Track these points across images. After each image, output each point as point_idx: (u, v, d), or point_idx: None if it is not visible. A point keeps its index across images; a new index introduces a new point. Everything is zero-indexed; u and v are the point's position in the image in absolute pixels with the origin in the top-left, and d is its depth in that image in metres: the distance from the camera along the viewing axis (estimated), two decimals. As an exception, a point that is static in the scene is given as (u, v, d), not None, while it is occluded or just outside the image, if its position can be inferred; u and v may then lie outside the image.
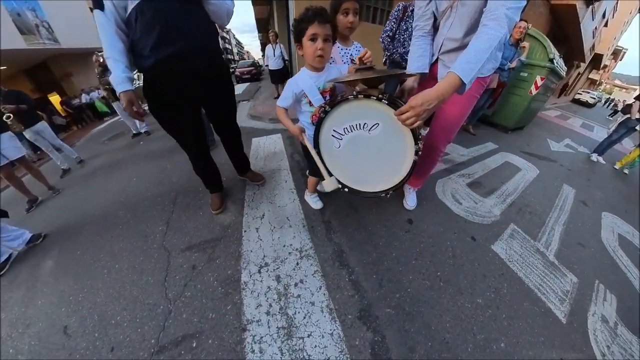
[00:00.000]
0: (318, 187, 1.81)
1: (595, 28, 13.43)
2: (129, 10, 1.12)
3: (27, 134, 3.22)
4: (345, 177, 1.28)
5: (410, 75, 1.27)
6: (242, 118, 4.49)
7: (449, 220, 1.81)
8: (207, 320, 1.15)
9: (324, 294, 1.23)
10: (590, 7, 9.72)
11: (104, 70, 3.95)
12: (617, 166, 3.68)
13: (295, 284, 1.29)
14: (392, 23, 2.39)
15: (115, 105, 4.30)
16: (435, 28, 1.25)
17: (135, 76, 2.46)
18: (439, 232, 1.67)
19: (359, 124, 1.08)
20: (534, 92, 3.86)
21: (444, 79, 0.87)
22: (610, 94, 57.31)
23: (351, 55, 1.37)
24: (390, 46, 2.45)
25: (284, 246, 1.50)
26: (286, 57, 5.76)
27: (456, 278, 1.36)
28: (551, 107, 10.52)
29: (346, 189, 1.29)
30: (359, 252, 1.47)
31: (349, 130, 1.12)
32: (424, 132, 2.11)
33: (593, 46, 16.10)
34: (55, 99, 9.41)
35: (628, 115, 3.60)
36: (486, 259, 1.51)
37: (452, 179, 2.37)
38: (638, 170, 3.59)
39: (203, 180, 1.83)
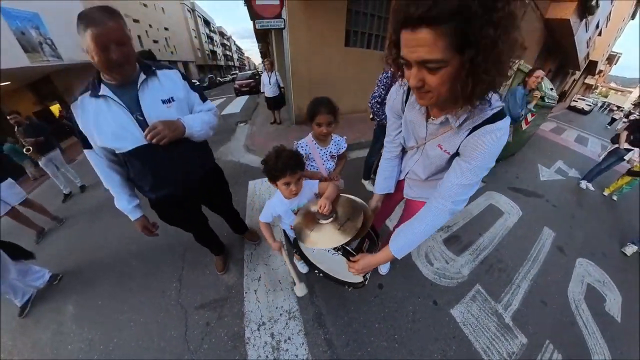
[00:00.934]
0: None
1: (590, 38, 13.17)
2: (117, 153, 1.07)
3: (42, 161, 3.38)
4: (321, 265, 1.45)
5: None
6: (239, 149, 4.66)
7: (416, 284, 1.98)
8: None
9: (305, 349, 1.55)
10: (584, 20, 9.59)
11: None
12: (606, 192, 3.79)
13: (285, 340, 1.59)
14: (381, 90, 2.29)
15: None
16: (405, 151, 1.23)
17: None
18: (405, 297, 1.87)
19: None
20: (524, 127, 4.00)
21: (383, 250, 0.96)
22: (606, 97, 56.65)
23: (330, 152, 1.51)
24: (380, 112, 2.41)
25: (277, 308, 1.81)
26: (282, 85, 5.80)
27: (410, 341, 1.59)
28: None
29: (321, 274, 1.46)
30: (334, 315, 1.75)
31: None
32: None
33: (588, 55, 15.80)
34: (55, 107, 9.85)
35: (617, 145, 3.65)
36: (442, 322, 1.71)
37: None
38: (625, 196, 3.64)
39: (205, 247, 1.99)
